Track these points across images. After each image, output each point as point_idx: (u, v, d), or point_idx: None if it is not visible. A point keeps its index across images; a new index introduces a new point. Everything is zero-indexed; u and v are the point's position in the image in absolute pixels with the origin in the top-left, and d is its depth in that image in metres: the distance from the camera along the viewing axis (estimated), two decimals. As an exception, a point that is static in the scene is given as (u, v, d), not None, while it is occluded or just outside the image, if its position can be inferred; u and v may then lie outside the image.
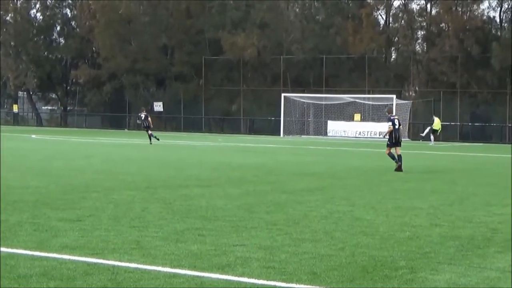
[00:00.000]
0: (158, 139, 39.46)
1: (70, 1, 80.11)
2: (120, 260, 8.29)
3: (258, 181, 18.76)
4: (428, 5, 66.45)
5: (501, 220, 12.25)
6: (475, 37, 61.31)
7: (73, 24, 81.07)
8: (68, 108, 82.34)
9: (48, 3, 79.96)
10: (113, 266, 8.02)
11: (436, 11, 65.82)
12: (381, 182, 19.13)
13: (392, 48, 70.37)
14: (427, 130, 51.15)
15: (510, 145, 52.77)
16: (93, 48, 77.82)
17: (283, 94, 61.85)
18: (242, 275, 7.71)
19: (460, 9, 64.15)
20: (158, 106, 70.00)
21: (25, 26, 77.68)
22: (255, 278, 7.57)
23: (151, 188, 16.18)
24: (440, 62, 62.13)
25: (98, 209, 12.55)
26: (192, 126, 69.52)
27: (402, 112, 58.67)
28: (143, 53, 71.14)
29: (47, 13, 79.64)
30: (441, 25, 65.34)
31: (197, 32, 71.33)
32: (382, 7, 68.19)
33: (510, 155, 34.40)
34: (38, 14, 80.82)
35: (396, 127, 23.90)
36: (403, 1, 67.40)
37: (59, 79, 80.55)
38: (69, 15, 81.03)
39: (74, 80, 79.55)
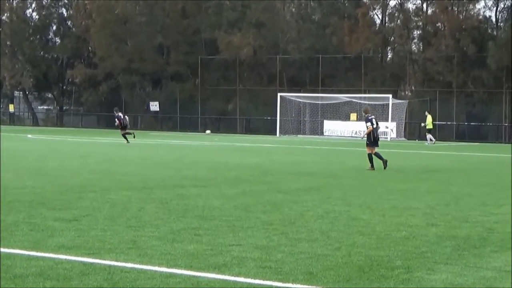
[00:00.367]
0: (134, 137, 39.41)
1: (66, 1, 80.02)
2: (116, 260, 8.27)
3: (255, 180, 18.75)
4: (424, 5, 66.52)
5: (497, 219, 12.26)
6: (471, 36, 61.34)
7: (69, 23, 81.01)
8: (64, 107, 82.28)
9: (44, 2, 79.86)
10: (110, 266, 8.00)
11: (432, 11, 65.89)
12: (377, 182, 19.11)
13: (388, 48, 70.47)
14: (429, 137, 49.48)
15: (506, 144, 52.87)
16: (89, 48, 77.76)
17: (279, 94, 61.85)
18: (238, 275, 7.70)
19: (456, 9, 64.22)
20: (154, 106, 69.98)
21: (21, 26, 77.65)
22: (252, 278, 7.56)
23: (147, 188, 16.16)
24: (436, 61, 62.19)
25: (95, 209, 12.53)
26: (188, 125, 69.49)
27: (398, 112, 58.80)
28: (139, 53, 71.13)
29: (43, 13, 79.55)
30: (437, 25, 65.40)
31: (193, 32, 71.34)
32: (378, 7, 68.24)
33: (506, 155, 34.45)
34: (34, 14, 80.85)
35: (375, 126, 24.00)
36: (399, 1, 67.49)
37: (55, 78, 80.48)
38: (65, 15, 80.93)
39: (70, 80, 79.48)
